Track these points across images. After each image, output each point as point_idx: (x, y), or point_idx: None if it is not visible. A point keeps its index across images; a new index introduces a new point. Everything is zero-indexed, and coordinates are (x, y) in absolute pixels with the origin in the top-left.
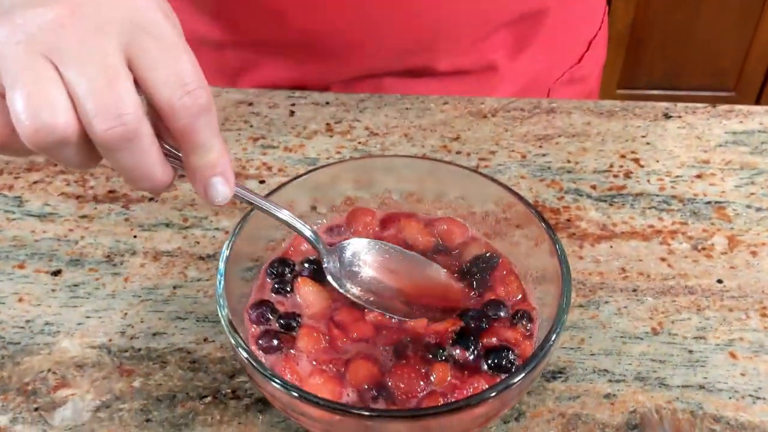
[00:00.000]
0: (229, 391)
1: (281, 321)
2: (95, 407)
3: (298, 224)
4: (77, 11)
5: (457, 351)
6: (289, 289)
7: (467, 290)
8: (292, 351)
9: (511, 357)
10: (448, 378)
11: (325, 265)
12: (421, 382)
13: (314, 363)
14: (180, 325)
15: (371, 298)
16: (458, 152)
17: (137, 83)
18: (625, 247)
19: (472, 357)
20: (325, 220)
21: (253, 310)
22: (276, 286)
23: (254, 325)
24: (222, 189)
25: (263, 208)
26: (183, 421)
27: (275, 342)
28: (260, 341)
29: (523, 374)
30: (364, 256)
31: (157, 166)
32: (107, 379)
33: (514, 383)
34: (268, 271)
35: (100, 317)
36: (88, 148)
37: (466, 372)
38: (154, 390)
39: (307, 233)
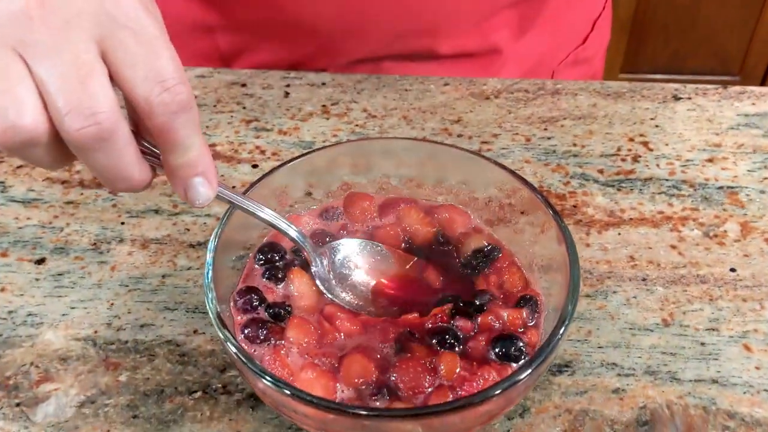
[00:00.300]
0: (220, 385)
1: (270, 310)
2: (79, 402)
3: (283, 225)
4: (47, 2)
5: (459, 323)
6: (280, 276)
7: (466, 287)
8: (281, 342)
9: (520, 345)
10: (457, 369)
11: (313, 269)
12: (428, 376)
13: (306, 356)
14: (169, 317)
15: (361, 303)
16: (460, 135)
17: (113, 79)
18: (633, 235)
19: (480, 343)
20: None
21: (239, 297)
22: (267, 272)
23: (240, 314)
24: (203, 190)
25: (247, 210)
26: (171, 417)
27: (263, 332)
28: (246, 330)
29: (530, 370)
30: (354, 258)
31: (133, 166)
32: (92, 373)
33: (521, 380)
34: (258, 256)
35: (85, 308)
36: (60, 148)
37: (475, 363)
38: (142, 384)
39: (293, 234)
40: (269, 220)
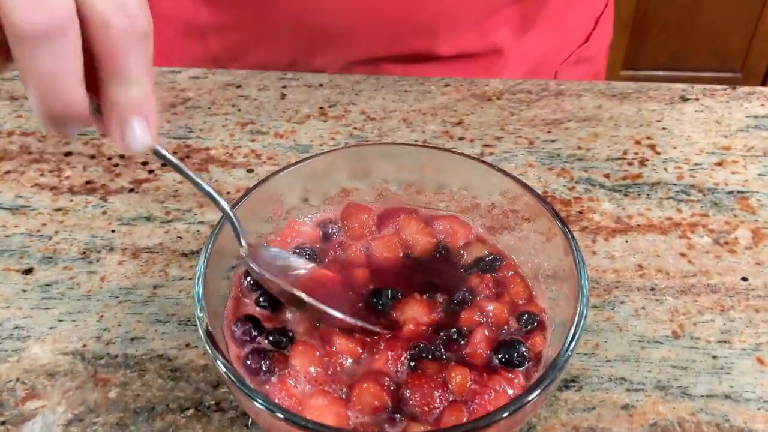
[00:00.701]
0: (213, 402)
1: (270, 338)
2: (67, 421)
3: (216, 196)
4: None
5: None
6: (276, 303)
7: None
8: (286, 371)
9: (523, 350)
10: (468, 384)
11: (243, 255)
12: (440, 391)
13: (314, 383)
14: (160, 329)
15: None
16: (461, 138)
17: None
18: (641, 242)
19: (479, 348)
20: (318, 214)
21: (237, 328)
22: (261, 299)
23: (239, 346)
24: (141, 134)
25: (184, 172)
26: None
27: (266, 362)
28: (248, 362)
29: (538, 390)
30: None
31: (75, 83)
32: (80, 390)
33: (529, 401)
34: (248, 284)
35: (73, 320)
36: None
37: (485, 374)
38: (132, 401)
39: (224, 205)
40: (204, 188)
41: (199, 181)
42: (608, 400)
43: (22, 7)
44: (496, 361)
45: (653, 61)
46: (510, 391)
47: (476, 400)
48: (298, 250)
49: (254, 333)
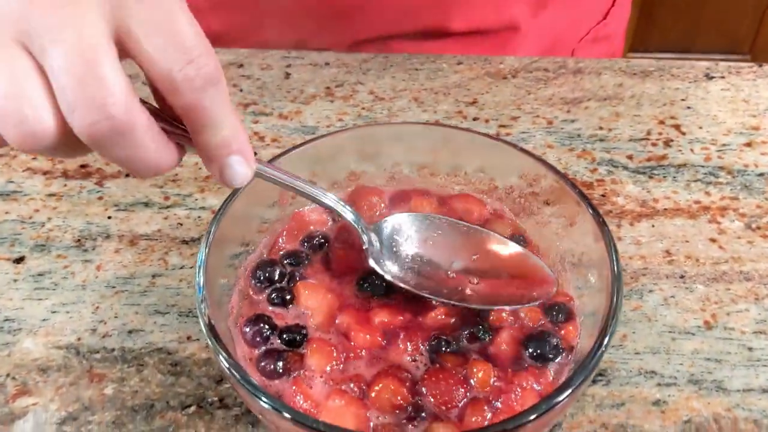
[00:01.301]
0: (216, 399)
1: (284, 336)
2: (60, 419)
3: (340, 207)
4: None
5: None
6: (288, 297)
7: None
8: (301, 372)
9: (554, 342)
10: (492, 380)
11: (365, 246)
12: (461, 388)
13: (330, 383)
14: (159, 321)
15: (422, 282)
16: (475, 118)
17: (129, 56)
18: (669, 227)
19: (503, 345)
20: None
21: (248, 328)
22: (274, 296)
23: (252, 347)
24: (240, 170)
25: (297, 189)
26: None
27: (280, 364)
28: (262, 364)
29: (569, 390)
30: (409, 232)
31: (157, 154)
32: (75, 386)
33: (559, 402)
34: (256, 280)
35: (68, 312)
36: (76, 143)
37: (509, 371)
38: (129, 398)
39: (350, 217)
40: (327, 203)
41: (316, 193)
42: (638, 396)
43: (80, 114)
44: (527, 355)
45: (662, 44)
46: (537, 387)
47: (501, 399)
48: (307, 241)
49: (266, 333)
